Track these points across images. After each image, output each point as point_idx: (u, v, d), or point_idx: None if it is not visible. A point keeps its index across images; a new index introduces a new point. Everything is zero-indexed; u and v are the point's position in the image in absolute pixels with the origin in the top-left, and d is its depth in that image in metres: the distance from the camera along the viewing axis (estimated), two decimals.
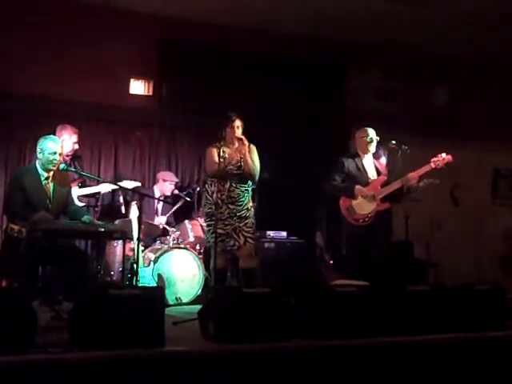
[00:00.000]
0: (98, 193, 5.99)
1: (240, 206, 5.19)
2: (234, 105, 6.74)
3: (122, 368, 3.32)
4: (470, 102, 8.11)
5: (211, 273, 5.34)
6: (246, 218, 5.20)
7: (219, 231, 5.09)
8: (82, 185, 5.93)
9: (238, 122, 5.22)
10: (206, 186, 5.32)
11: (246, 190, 5.27)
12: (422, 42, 7.35)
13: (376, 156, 5.78)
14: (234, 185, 5.18)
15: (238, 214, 5.15)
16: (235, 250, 5.18)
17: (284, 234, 6.63)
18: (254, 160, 5.24)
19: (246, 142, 5.17)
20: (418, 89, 8.03)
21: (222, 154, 5.11)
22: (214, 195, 5.16)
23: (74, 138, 5.83)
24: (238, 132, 5.21)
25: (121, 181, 6.15)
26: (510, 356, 4.19)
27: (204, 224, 5.57)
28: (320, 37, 7.32)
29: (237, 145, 5.26)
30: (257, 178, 5.29)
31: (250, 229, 5.21)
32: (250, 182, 5.30)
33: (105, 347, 3.38)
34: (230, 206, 5.15)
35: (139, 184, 6.16)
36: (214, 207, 5.11)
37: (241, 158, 5.22)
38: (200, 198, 6.83)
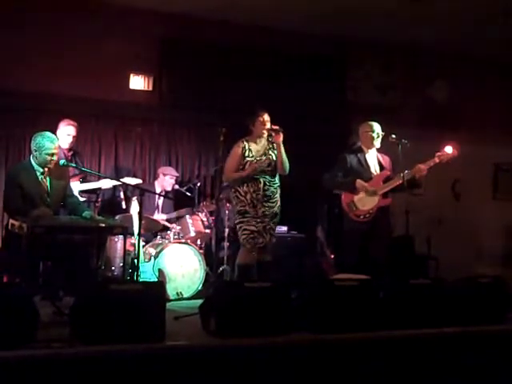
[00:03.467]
0: (99, 188, 5.98)
1: (274, 203, 5.23)
2: (233, 101, 6.78)
3: (123, 363, 3.33)
4: (471, 96, 8.10)
5: (236, 268, 5.34)
6: (277, 215, 5.26)
7: (252, 228, 5.13)
8: (83, 180, 5.92)
9: (266, 116, 5.21)
10: (236, 186, 5.26)
11: (278, 185, 5.30)
12: (423, 37, 7.33)
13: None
14: (267, 183, 5.21)
15: (271, 211, 5.19)
16: (261, 246, 5.19)
17: (285, 228, 6.64)
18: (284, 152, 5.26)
19: (282, 132, 5.16)
20: (418, 83, 8.02)
21: (247, 152, 5.18)
22: (248, 195, 5.16)
23: (70, 129, 5.77)
24: (265, 126, 5.20)
25: (121, 176, 6.14)
26: (511, 349, 4.19)
27: (236, 221, 5.35)
28: (320, 33, 7.31)
29: (263, 141, 5.28)
30: (288, 170, 5.30)
31: (275, 227, 5.30)
32: (278, 177, 5.30)
33: (106, 342, 3.38)
34: (265, 205, 5.17)
35: (140, 181, 6.15)
36: (248, 206, 5.14)
37: (269, 152, 5.23)
38: (200, 193, 6.86)
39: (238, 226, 5.25)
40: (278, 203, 5.29)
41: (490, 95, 8.15)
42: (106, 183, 5.96)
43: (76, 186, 5.63)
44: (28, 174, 4.74)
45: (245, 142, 5.25)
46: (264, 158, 5.23)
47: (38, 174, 4.77)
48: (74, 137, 5.83)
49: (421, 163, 5.41)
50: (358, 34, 7.37)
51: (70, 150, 5.86)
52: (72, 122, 5.82)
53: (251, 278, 5.16)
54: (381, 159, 5.63)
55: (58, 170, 4.89)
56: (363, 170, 5.54)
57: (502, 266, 7.83)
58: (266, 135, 5.27)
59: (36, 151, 4.71)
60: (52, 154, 4.69)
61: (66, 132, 5.77)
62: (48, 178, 4.81)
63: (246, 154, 5.22)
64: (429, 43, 7.58)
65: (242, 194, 5.20)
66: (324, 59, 7.63)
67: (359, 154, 5.58)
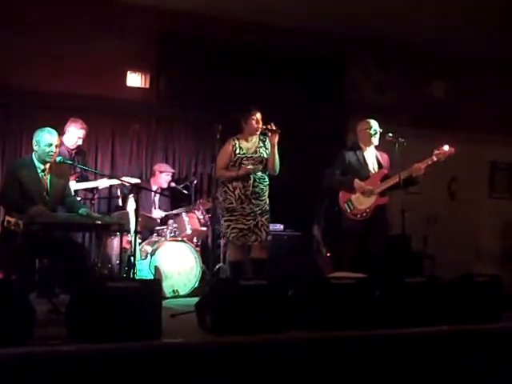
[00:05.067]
0: (96, 188, 5.97)
1: (262, 201, 5.23)
2: (230, 99, 6.77)
3: (120, 360, 3.33)
4: (469, 96, 8.10)
5: (228, 266, 5.34)
6: (266, 212, 5.25)
7: (240, 226, 5.13)
8: (81, 179, 5.91)
9: (259, 115, 5.23)
10: (227, 182, 5.28)
11: (268, 184, 5.31)
12: (421, 36, 7.32)
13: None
14: (257, 180, 5.22)
15: (258, 209, 5.19)
16: (256, 244, 5.19)
17: (281, 226, 6.64)
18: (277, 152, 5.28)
19: (279, 131, 5.17)
20: (416, 82, 8.02)
21: (238, 149, 5.20)
22: (237, 191, 5.17)
23: (81, 133, 5.83)
24: (259, 125, 5.21)
25: (118, 174, 6.14)
26: (507, 348, 4.20)
27: (223, 219, 5.34)
28: (319, 31, 7.30)
29: (254, 139, 5.28)
30: (278, 170, 5.32)
31: (268, 223, 5.29)
32: (268, 176, 5.32)
33: (102, 340, 3.38)
34: (254, 202, 5.18)
35: (139, 181, 6.14)
36: (236, 202, 5.14)
37: (260, 150, 5.24)
38: (196, 191, 6.85)
39: (225, 224, 5.24)
40: (267, 201, 5.29)
41: (488, 94, 8.15)
42: (103, 183, 5.95)
43: (72, 185, 5.63)
44: (29, 170, 4.71)
45: (235, 140, 5.27)
46: (256, 155, 5.23)
47: (39, 170, 4.73)
48: (78, 138, 5.85)
49: (418, 162, 5.41)
50: (357, 33, 7.37)
51: (73, 149, 5.86)
52: (85, 126, 5.86)
53: (244, 274, 5.21)
54: (379, 157, 5.64)
55: (59, 168, 4.87)
56: (361, 168, 5.54)
57: (499, 265, 7.83)
58: (258, 133, 5.27)
59: (36, 145, 4.70)
60: (50, 145, 4.66)
61: (77, 135, 5.82)
62: (49, 176, 4.79)
63: (237, 151, 5.23)
64: (428, 42, 7.57)
65: (231, 189, 5.21)
66: (323, 58, 7.62)
67: (358, 152, 5.59)
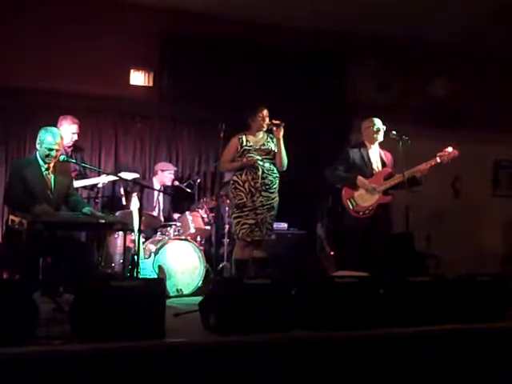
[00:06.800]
0: (96, 185, 5.97)
1: (272, 193, 5.25)
2: (233, 97, 6.77)
3: (123, 359, 3.33)
4: (471, 94, 8.09)
5: (233, 264, 5.35)
6: (273, 208, 5.27)
7: (250, 221, 5.14)
8: (80, 176, 5.90)
9: (266, 112, 5.28)
10: (235, 177, 5.30)
11: (277, 176, 5.33)
12: (423, 34, 7.32)
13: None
14: (266, 171, 5.24)
15: (268, 203, 5.21)
16: (256, 242, 5.20)
17: (285, 225, 6.64)
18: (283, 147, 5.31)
19: (283, 124, 5.21)
20: (418, 80, 8.01)
21: (245, 142, 5.24)
22: (247, 184, 5.20)
23: (74, 128, 5.82)
24: (266, 121, 5.27)
25: (120, 172, 6.14)
26: (510, 347, 4.20)
27: (232, 217, 5.34)
28: (320, 29, 7.29)
29: (261, 134, 5.33)
30: (286, 166, 5.34)
31: (272, 221, 5.31)
32: (277, 168, 5.34)
33: (106, 339, 3.39)
34: (264, 194, 5.20)
35: (137, 175, 6.15)
36: (246, 197, 5.16)
37: (268, 144, 5.28)
38: (200, 190, 6.85)
39: (235, 221, 5.25)
40: (277, 196, 5.30)
41: (490, 92, 8.14)
42: (102, 179, 5.94)
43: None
44: (33, 168, 4.72)
45: (242, 135, 5.32)
46: (263, 147, 5.27)
47: (43, 169, 4.74)
48: (72, 133, 5.84)
49: (422, 162, 5.41)
50: (358, 31, 7.36)
51: (70, 146, 5.86)
52: (76, 120, 5.85)
53: (248, 273, 5.19)
54: (383, 156, 5.65)
55: (63, 167, 4.87)
56: (365, 166, 5.55)
57: (502, 264, 7.82)
58: (264, 129, 5.32)
59: (38, 144, 4.71)
60: (51, 149, 4.66)
61: (71, 130, 5.80)
62: (53, 175, 4.79)
63: (244, 144, 5.27)
64: (429, 40, 7.56)
65: (241, 183, 5.23)
66: (324, 56, 7.62)
67: (362, 150, 5.61)
